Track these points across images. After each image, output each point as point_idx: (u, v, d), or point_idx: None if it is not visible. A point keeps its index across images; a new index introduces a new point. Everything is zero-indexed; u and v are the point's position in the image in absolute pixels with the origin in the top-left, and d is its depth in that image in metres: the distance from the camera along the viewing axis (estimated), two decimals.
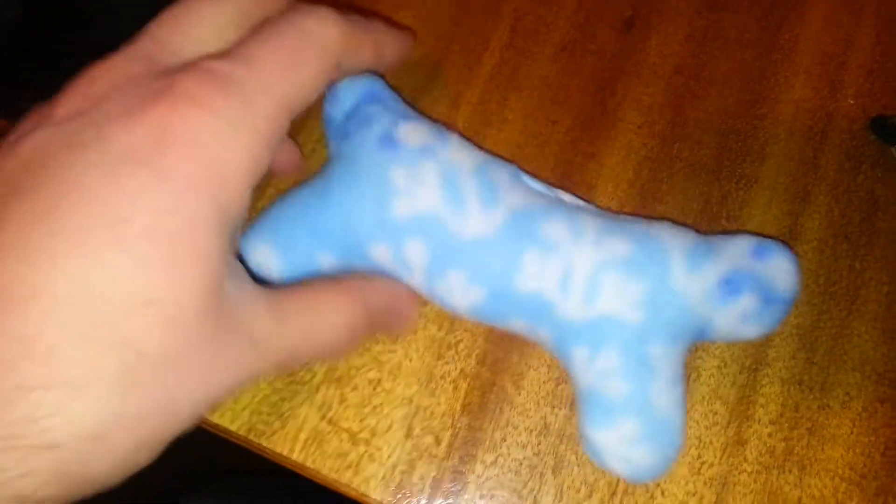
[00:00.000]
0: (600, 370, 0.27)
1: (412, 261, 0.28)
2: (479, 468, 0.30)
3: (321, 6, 0.26)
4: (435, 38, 0.38)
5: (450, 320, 0.32)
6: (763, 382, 0.32)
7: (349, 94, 0.31)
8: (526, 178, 0.30)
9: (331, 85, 0.30)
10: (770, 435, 0.31)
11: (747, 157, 0.35)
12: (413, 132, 0.29)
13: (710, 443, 0.31)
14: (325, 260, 0.29)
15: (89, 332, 0.19)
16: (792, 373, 0.32)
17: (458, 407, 0.31)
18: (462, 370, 0.32)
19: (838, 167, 0.35)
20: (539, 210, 0.28)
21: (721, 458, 0.30)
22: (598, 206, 0.31)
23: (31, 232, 0.19)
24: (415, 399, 0.31)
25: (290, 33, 0.24)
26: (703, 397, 0.31)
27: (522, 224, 0.28)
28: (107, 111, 0.21)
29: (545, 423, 0.31)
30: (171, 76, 0.22)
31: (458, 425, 0.31)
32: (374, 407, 0.31)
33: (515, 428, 0.31)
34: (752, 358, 0.32)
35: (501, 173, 0.29)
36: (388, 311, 0.29)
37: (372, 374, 0.31)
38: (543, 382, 0.32)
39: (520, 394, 0.31)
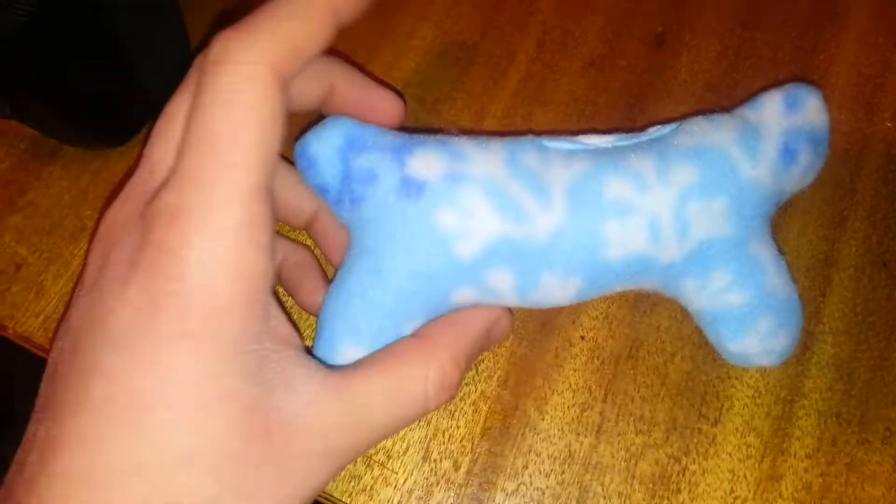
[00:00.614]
0: (716, 290, 0.27)
1: (500, 288, 0.27)
2: (499, 496, 0.29)
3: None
4: (460, 49, 0.37)
5: None
6: (799, 414, 0.30)
7: (325, 153, 0.27)
8: (548, 143, 0.28)
9: (297, 148, 0.27)
10: (806, 470, 0.29)
11: None
12: (427, 163, 0.26)
13: (744, 476, 0.29)
14: (413, 326, 0.27)
15: (149, 496, 0.20)
16: (829, 405, 0.30)
17: (478, 431, 0.30)
18: (483, 392, 0.30)
19: (875, 192, 0.34)
20: (590, 175, 0.27)
21: (755, 494, 0.29)
22: (622, 132, 0.30)
23: (77, 421, 0.21)
24: (433, 421, 0.30)
25: (204, 108, 0.21)
26: (737, 429, 0.30)
27: (584, 197, 0.26)
28: (110, 281, 0.22)
29: (570, 451, 0.29)
30: (145, 225, 0.22)
31: (478, 450, 0.29)
32: None
33: (538, 455, 0.29)
34: (787, 389, 0.30)
35: (530, 154, 0.27)
36: (482, 342, 0.27)
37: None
38: (568, 408, 0.30)
39: (543, 419, 0.30)
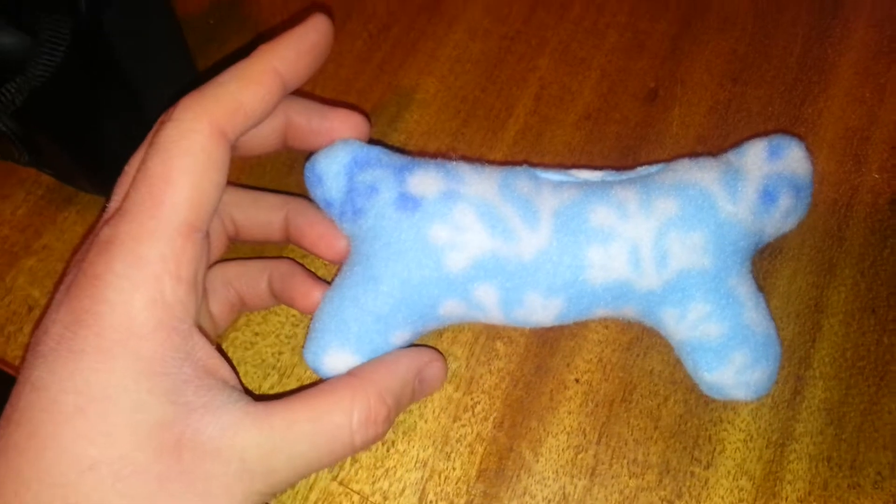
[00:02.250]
0: (694, 321, 0.28)
1: (485, 302, 0.28)
2: None
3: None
4: (460, 102, 0.39)
5: (467, 381, 0.32)
6: (790, 458, 0.30)
7: (332, 170, 0.29)
8: (541, 173, 0.30)
9: (307, 167, 0.29)
10: None
11: None
12: (425, 181, 0.28)
13: None
14: (401, 336, 0.29)
15: (53, 499, 0.22)
16: (820, 449, 0.31)
17: (474, 472, 0.30)
18: (479, 434, 0.31)
19: (864, 241, 0.35)
20: (577, 202, 0.28)
21: None
22: (612, 169, 0.31)
23: (3, 431, 0.23)
24: (429, 462, 0.30)
25: (148, 156, 0.24)
26: (729, 472, 0.30)
27: (570, 222, 0.28)
28: (51, 305, 0.24)
29: (564, 494, 0.30)
30: (82, 256, 0.24)
31: (474, 492, 0.30)
32: (387, 469, 0.30)
33: (533, 497, 0.30)
34: (778, 432, 0.31)
35: (523, 181, 0.29)
36: (413, 383, 0.28)
37: (386, 435, 0.31)
38: (563, 450, 0.31)
39: (538, 461, 0.30)
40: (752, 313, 0.29)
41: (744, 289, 0.29)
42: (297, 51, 0.26)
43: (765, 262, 0.34)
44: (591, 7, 0.42)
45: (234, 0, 0.43)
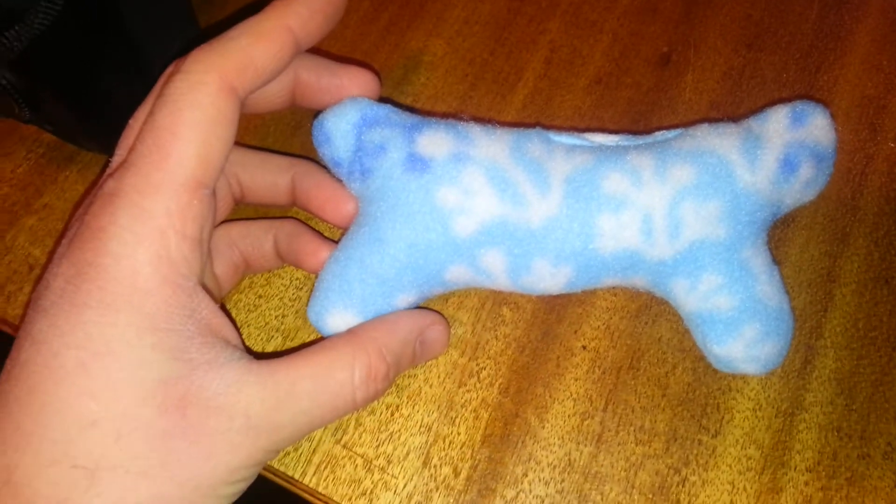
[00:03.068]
0: (705, 293, 0.28)
1: (492, 269, 0.28)
2: (498, 503, 0.29)
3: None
4: (468, 65, 0.38)
5: (472, 347, 0.31)
6: (800, 428, 0.30)
7: (341, 128, 0.28)
8: (555, 136, 0.29)
9: (315, 124, 0.29)
10: (807, 483, 0.29)
11: None
12: (435, 142, 0.27)
13: (744, 489, 0.29)
14: (405, 299, 0.28)
15: (56, 458, 0.21)
16: (830, 419, 0.30)
17: (479, 438, 0.30)
18: (484, 399, 0.30)
19: (878, 210, 0.34)
20: (590, 168, 0.27)
21: None
22: (627, 133, 0.30)
23: (3, 387, 0.22)
24: (434, 427, 0.30)
25: (155, 108, 0.23)
26: (737, 441, 0.30)
27: (582, 189, 0.27)
28: (53, 258, 0.24)
29: (569, 460, 0.30)
30: (86, 208, 0.24)
31: (478, 457, 0.30)
32: (392, 433, 0.30)
33: (538, 463, 0.29)
34: (788, 402, 0.31)
35: (535, 144, 0.28)
36: (413, 344, 0.28)
37: (390, 399, 0.30)
38: (569, 416, 0.30)
39: (543, 427, 0.30)
40: (766, 286, 0.28)
41: (758, 260, 0.28)
42: (310, 8, 0.26)
43: (777, 230, 0.34)
44: None
45: None
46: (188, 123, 0.23)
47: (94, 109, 0.32)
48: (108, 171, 0.24)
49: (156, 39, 0.33)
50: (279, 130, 0.36)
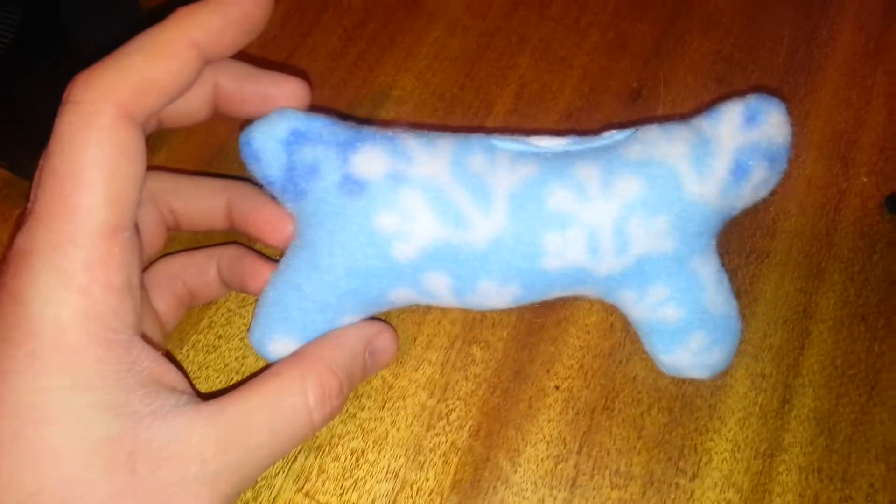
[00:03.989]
0: (653, 304, 0.27)
1: (437, 290, 0.27)
2: None
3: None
4: (438, 99, 0.38)
5: (441, 388, 0.30)
6: (780, 469, 0.29)
7: (269, 146, 0.26)
8: (498, 142, 0.27)
9: (241, 139, 0.27)
10: None
11: (757, 230, 0.34)
12: (370, 161, 0.26)
13: None
14: (349, 321, 0.27)
15: None
16: (810, 460, 0.29)
17: (448, 483, 0.28)
18: (453, 443, 0.29)
19: (853, 245, 0.34)
20: (534, 181, 0.26)
21: None
22: (576, 135, 0.29)
23: None
24: (401, 473, 0.29)
25: (51, 150, 0.21)
26: (715, 484, 0.29)
27: (526, 205, 0.26)
28: None
29: None
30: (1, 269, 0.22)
31: None
32: (356, 480, 0.28)
33: None
34: (767, 443, 0.30)
35: (477, 155, 0.27)
36: (362, 356, 0.27)
37: (355, 444, 0.29)
38: (542, 460, 0.29)
39: (516, 472, 0.29)
40: (713, 295, 0.28)
41: (706, 269, 0.27)
42: (223, 19, 0.23)
43: (751, 266, 0.33)
44: (573, 5, 0.41)
45: None
46: (89, 165, 0.21)
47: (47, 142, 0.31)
48: (23, 220, 0.22)
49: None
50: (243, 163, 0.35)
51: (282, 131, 0.26)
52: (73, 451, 0.20)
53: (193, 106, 0.26)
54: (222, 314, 0.31)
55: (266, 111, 0.27)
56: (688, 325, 0.27)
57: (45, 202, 0.21)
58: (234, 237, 0.31)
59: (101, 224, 0.21)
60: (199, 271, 0.29)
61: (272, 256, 0.29)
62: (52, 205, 0.21)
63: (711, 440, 0.30)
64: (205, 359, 0.31)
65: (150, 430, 0.21)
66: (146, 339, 0.23)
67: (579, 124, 0.37)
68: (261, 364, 0.30)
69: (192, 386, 0.25)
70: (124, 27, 0.30)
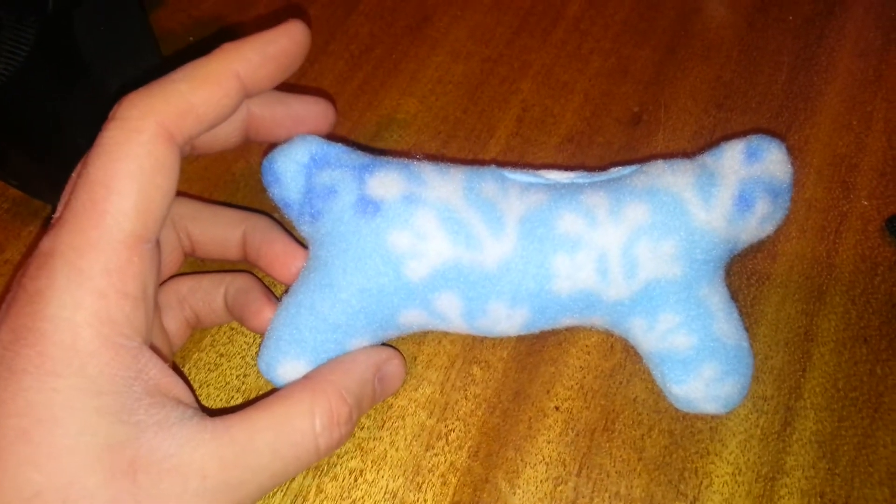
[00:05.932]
0: (663, 332, 0.27)
1: (447, 312, 0.27)
2: None
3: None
4: (441, 123, 0.38)
5: (441, 407, 0.30)
6: (781, 493, 0.29)
7: (290, 169, 0.27)
8: (509, 174, 0.28)
9: (264, 164, 0.28)
10: None
11: (758, 253, 0.34)
12: (386, 183, 0.27)
13: None
14: (359, 344, 0.27)
15: None
16: (812, 483, 0.29)
17: None
18: (452, 463, 0.29)
19: (854, 268, 0.34)
20: (544, 207, 0.27)
21: None
22: (584, 170, 0.30)
23: None
24: (399, 493, 0.28)
25: (90, 159, 0.22)
26: None
27: (536, 229, 0.26)
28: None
29: None
30: (23, 270, 0.22)
31: None
32: (354, 500, 0.28)
33: None
34: (768, 465, 0.29)
35: (489, 183, 0.27)
36: (372, 382, 0.27)
37: (354, 463, 0.29)
38: (541, 482, 0.29)
39: (515, 493, 0.29)
40: (724, 324, 0.27)
41: (715, 298, 0.28)
42: (263, 55, 0.25)
43: (752, 288, 0.33)
44: (575, 32, 0.42)
45: (216, 16, 0.42)
46: (124, 176, 0.22)
47: (58, 161, 0.31)
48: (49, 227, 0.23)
49: (124, 87, 0.32)
50: (248, 187, 0.36)
51: (303, 155, 0.27)
52: (75, 454, 0.20)
53: (227, 132, 0.27)
54: (224, 332, 0.32)
55: (296, 133, 0.28)
56: (699, 353, 0.27)
57: (75, 207, 0.22)
58: (247, 267, 0.31)
59: (125, 232, 0.22)
60: (207, 297, 0.29)
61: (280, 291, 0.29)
62: (81, 210, 0.22)
63: (712, 463, 0.29)
64: (206, 377, 0.31)
65: (153, 440, 0.21)
66: (155, 349, 0.23)
67: (580, 148, 0.37)
68: (262, 382, 0.30)
69: (198, 401, 0.25)
70: (137, 49, 0.31)
